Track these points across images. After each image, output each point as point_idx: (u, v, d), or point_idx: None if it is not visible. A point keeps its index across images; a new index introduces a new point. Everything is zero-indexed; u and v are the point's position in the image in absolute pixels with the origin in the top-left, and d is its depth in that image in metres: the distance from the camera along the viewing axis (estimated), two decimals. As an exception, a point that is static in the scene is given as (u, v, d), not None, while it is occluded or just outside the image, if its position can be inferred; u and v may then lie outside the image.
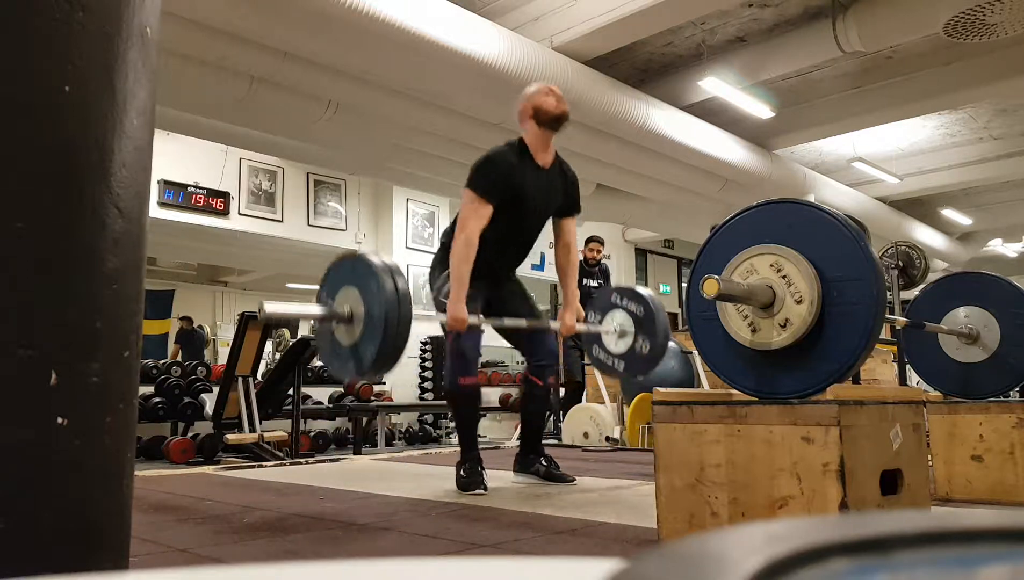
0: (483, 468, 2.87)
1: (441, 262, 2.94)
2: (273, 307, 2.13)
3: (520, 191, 2.77)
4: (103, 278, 0.72)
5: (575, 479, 3.06)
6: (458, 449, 3.04)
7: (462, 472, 2.85)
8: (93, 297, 0.71)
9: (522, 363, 3.19)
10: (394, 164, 7.21)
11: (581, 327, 2.98)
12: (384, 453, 5.94)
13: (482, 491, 2.73)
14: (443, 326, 2.81)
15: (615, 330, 3.05)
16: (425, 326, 9.46)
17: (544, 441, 3.14)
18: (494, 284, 2.96)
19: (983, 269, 2.94)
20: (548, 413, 3.17)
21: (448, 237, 2.92)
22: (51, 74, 0.68)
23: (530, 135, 2.83)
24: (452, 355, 2.84)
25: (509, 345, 3.19)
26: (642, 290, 3.10)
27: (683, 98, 7.09)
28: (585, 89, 5.88)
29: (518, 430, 6.62)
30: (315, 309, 2.29)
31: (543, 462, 3.08)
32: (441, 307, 2.80)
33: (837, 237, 1.63)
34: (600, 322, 3.04)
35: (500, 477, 3.31)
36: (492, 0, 5.79)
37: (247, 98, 5.37)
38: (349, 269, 2.29)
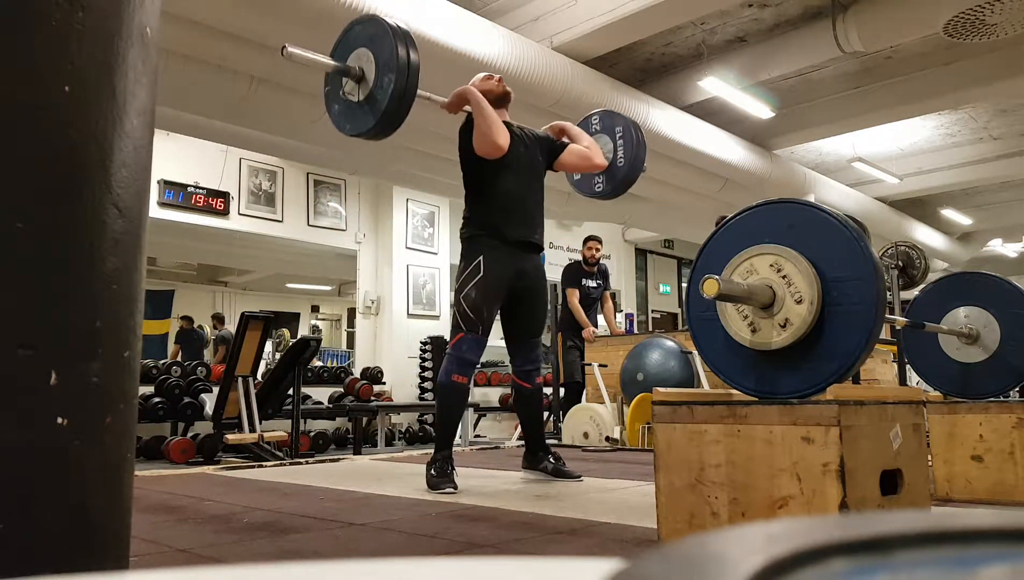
0: (453, 468, 2.88)
1: (462, 249, 3.03)
2: (296, 49, 2.50)
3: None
4: (103, 278, 0.72)
5: (581, 476, 3.09)
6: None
7: (432, 471, 2.85)
8: (93, 297, 0.71)
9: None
10: (394, 164, 7.21)
11: (576, 131, 3.25)
12: (384, 453, 5.94)
13: (452, 490, 2.74)
14: (456, 319, 2.91)
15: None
16: (425, 326, 9.48)
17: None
18: (520, 265, 2.99)
19: (983, 269, 2.94)
20: (543, 411, 3.29)
21: (465, 226, 3.03)
22: (51, 74, 0.68)
23: None
24: (453, 355, 2.90)
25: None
26: (628, 122, 3.37)
27: (683, 98, 7.10)
28: (585, 89, 5.88)
29: (518, 430, 6.63)
30: (331, 61, 2.62)
31: (551, 459, 3.13)
32: (459, 307, 2.91)
33: (837, 237, 1.63)
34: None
35: (500, 477, 3.31)
36: (492, 0, 5.79)
37: (247, 98, 5.37)
38: (365, 32, 2.60)
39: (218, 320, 10.71)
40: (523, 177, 3.01)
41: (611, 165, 3.31)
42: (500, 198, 2.94)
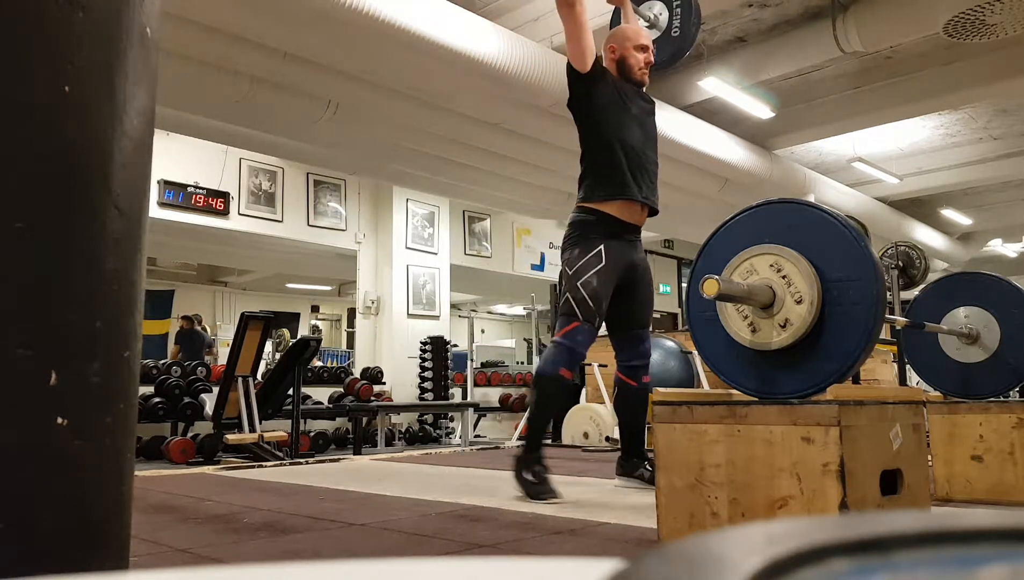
0: (548, 472, 2.65)
1: (570, 236, 2.80)
2: None
3: (617, 85, 2.87)
4: (103, 278, 0.72)
5: None
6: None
7: (531, 477, 2.58)
8: (93, 297, 0.71)
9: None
10: (394, 164, 7.20)
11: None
12: (384, 453, 5.94)
13: (556, 499, 2.48)
14: (572, 306, 2.67)
15: (652, 16, 3.51)
16: (425, 326, 9.47)
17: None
18: (631, 256, 2.80)
19: (983, 269, 2.94)
20: (646, 413, 2.92)
21: (579, 201, 2.82)
22: (51, 74, 0.68)
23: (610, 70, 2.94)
24: (564, 345, 2.65)
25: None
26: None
27: (683, 98, 7.09)
28: (585, 89, 5.87)
29: (518, 431, 6.62)
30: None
31: (647, 466, 2.87)
32: (577, 294, 2.66)
33: (837, 237, 1.63)
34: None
35: (500, 477, 3.31)
36: (492, 0, 5.79)
37: (247, 98, 5.37)
38: None
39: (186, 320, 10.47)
40: (638, 127, 2.84)
41: (664, 34, 3.49)
42: (621, 153, 2.75)
